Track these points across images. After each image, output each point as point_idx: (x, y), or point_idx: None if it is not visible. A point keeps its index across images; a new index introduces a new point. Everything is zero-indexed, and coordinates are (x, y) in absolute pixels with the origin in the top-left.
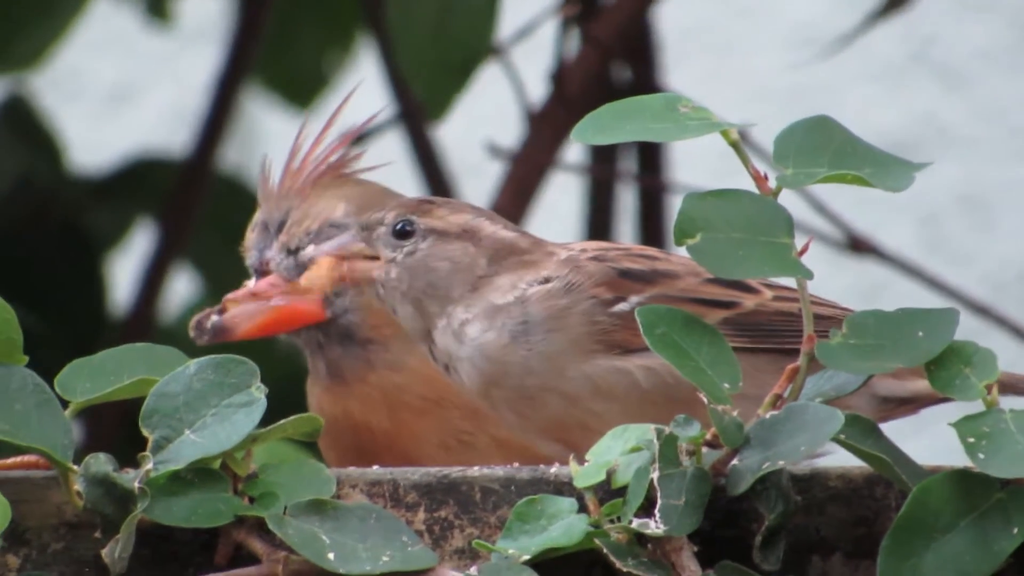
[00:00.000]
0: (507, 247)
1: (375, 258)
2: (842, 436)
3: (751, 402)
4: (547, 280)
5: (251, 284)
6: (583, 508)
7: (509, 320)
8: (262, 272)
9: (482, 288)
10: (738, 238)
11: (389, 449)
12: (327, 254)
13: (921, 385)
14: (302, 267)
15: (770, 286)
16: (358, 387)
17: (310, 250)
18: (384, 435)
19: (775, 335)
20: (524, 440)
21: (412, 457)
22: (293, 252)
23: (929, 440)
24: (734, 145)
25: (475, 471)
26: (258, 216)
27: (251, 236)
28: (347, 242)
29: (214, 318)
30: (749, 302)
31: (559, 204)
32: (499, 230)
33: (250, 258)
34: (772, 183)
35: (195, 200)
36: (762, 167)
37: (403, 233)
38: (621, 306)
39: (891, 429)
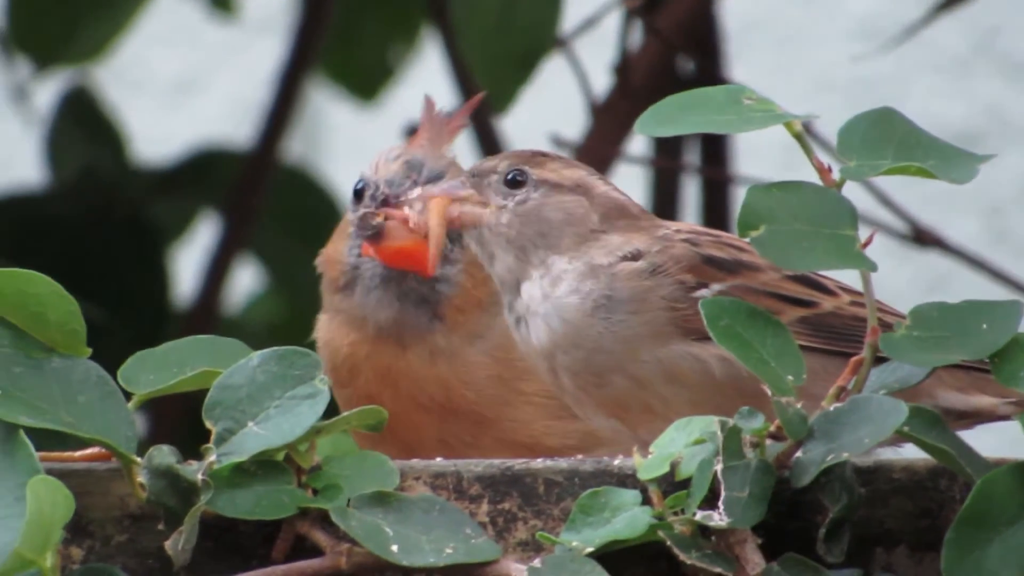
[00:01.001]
0: (618, 208)
1: (483, 204)
2: (906, 428)
3: (819, 402)
4: (638, 255)
5: (410, 213)
6: (647, 500)
7: (596, 289)
8: (388, 204)
9: (591, 243)
10: (802, 230)
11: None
12: (438, 194)
13: (984, 401)
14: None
15: (847, 290)
16: (390, 351)
17: (418, 190)
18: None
19: (849, 339)
20: (576, 409)
21: (410, 444)
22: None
23: (994, 433)
24: (798, 137)
25: (539, 463)
26: (406, 153)
27: (392, 167)
28: (456, 186)
29: (378, 220)
30: (827, 304)
31: None
32: (611, 191)
33: (389, 187)
34: (836, 175)
35: (259, 192)
36: (826, 159)
37: (515, 182)
38: (702, 292)
39: None
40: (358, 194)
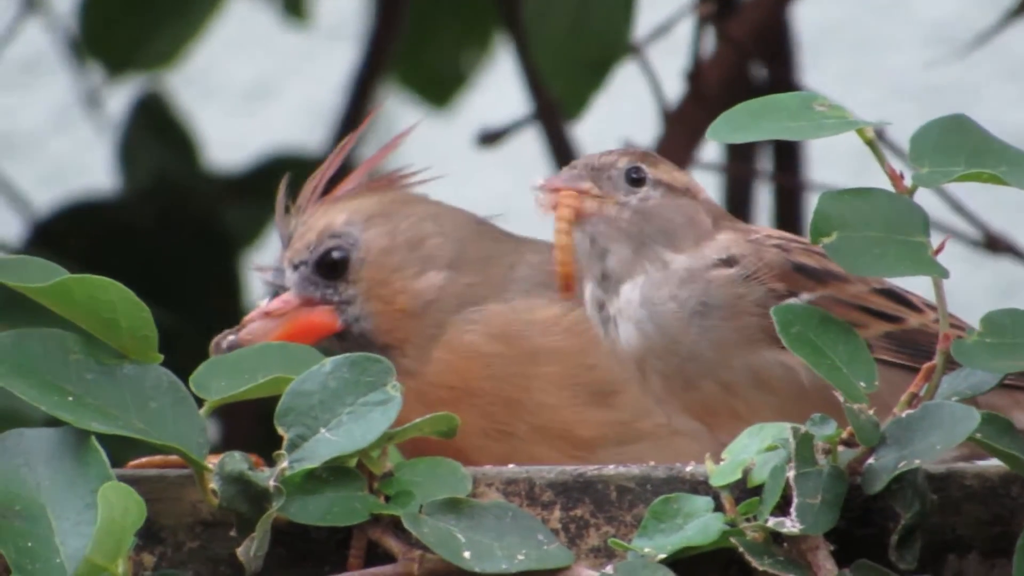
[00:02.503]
0: (721, 212)
1: (602, 198)
2: (978, 435)
3: None
4: (733, 261)
5: (264, 304)
6: (719, 507)
7: (693, 296)
8: (281, 289)
9: (704, 244)
10: (874, 236)
11: (439, 446)
12: (559, 187)
13: None
14: (307, 282)
15: (933, 308)
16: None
17: (539, 180)
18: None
19: (932, 356)
20: (659, 407)
21: (461, 451)
22: (296, 267)
23: None
24: (870, 144)
25: (610, 470)
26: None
27: (272, 260)
28: (577, 179)
29: (230, 337)
30: (913, 320)
31: None
32: (709, 196)
33: (265, 276)
34: (908, 182)
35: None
36: (898, 166)
37: (635, 180)
38: (792, 301)
39: None
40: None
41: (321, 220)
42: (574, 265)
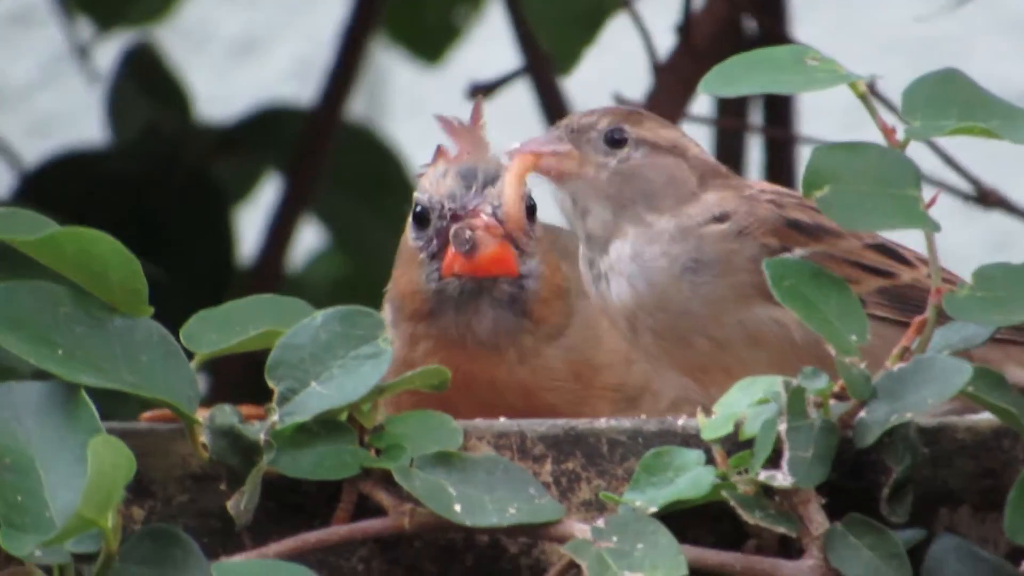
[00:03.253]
0: (712, 169)
1: (582, 160)
2: (970, 388)
3: None
4: (725, 217)
5: (478, 221)
6: (710, 460)
7: (684, 252)
8: (455, 218)
9: (689, 203)
10: (866, 191)
11: None
12: (532, 151)
13: None
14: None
15: (926, 263)
16: (487, 361)
17: (514, 145)
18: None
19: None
20: (650, 365)
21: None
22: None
23: None
24: (862, 97)
25: (602, 423)
26: (453, 166)
27: (450, 182)
28: (554, 141)
29: (469, 233)
30: (906, 275)
31: None
32: (700, 152)
33: (452, 200)
34: (900, 135)
35: (322, 152)
36: (890, 120)
37: (615, 141)
38: (785, 256)
39: None
40: (420, 219)
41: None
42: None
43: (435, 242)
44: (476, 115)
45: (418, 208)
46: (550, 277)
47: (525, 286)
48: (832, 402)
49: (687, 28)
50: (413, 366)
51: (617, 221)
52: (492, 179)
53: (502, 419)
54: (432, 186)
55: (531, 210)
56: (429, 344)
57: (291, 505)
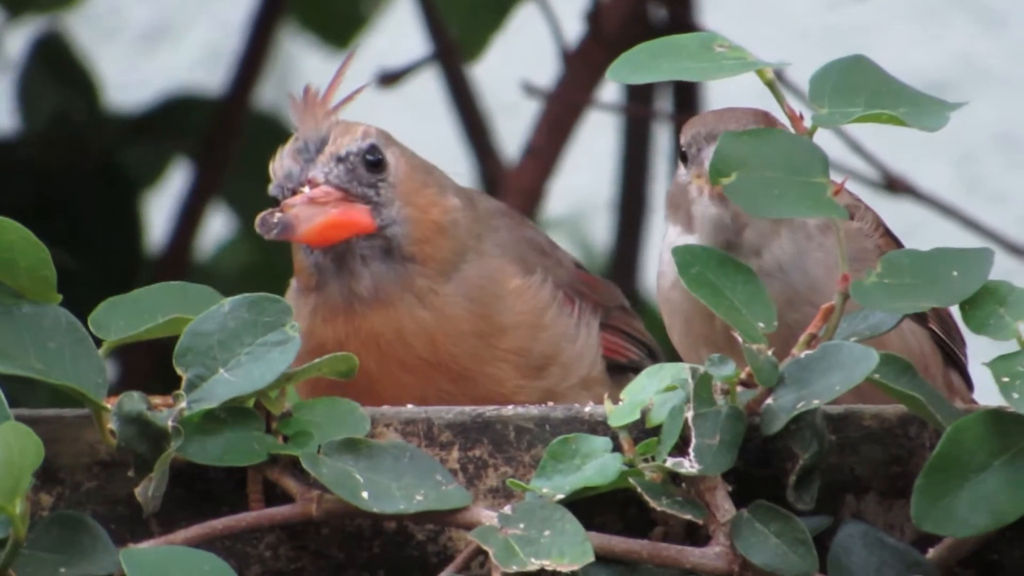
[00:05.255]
0: None
1: None
2: (876, 376)
3: None
4: (852, 216)
5: (306, 191)
6: (617, 447)
7: (835, 246)
8: (293, 192)
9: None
10: (773, 177)
11: (368, 391)
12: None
13: None
14: (352, 175)
15: None
16: (381, 316)
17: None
18: (367, 377)
19: None
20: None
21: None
22: (343, 159)
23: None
24: (770, 84)
25: (509, 410)
26: (291, 144)
27: (286, 162)
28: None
29: (279, 215)
30: None
31: (595, 143)
32: None
33: (289, 180)
34: (808, 123)
35: (231, 139)
36: (798, 107)
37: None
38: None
39: None
40: (277, 203)
41: (359, 125)
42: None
43: None
44: (330, 88)
45: (271, 194)
46: (422, 216)
47: (392, 234)
48: (739, 389)
49: (595, 16)
50: (319, 337)
51: (775, 227)
52: (322, 144)
53: (409, 406)
54: (274, 170)
55: (376, 164)
56: (328, 312)
57: (199, 492)
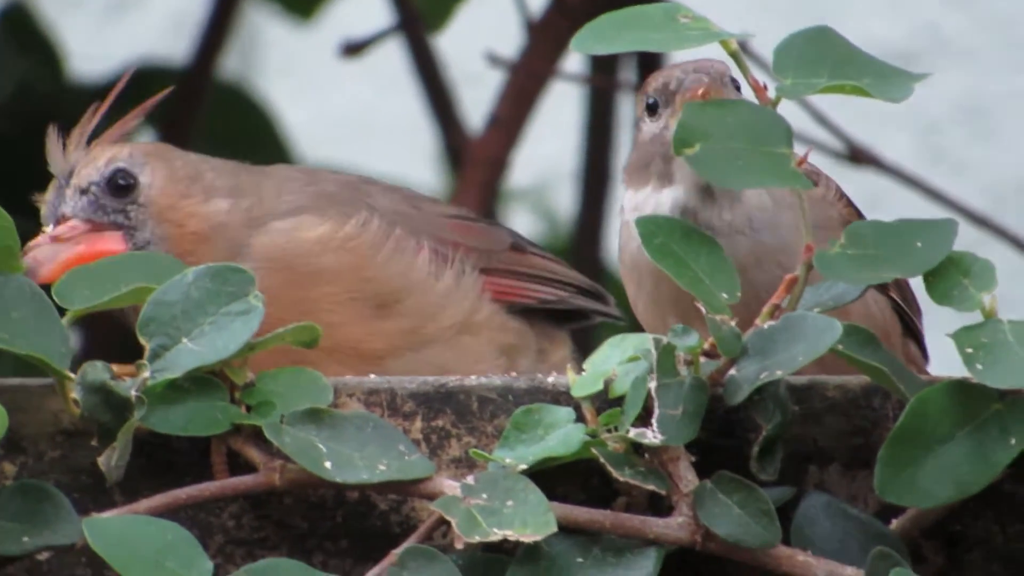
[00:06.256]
0: None
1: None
2: (840, 346)
3: None
4: (816, 182)
5: (50, 229)
6: (580, 418)
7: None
8: (62, 219)
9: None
10: (738, 148)
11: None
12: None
13: None
14: (97, 205)
15: None
16: None
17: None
18: None
19: None
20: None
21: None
22: (85, 191)
23: (933, 349)
24: (733, 55)
25: (472, 380)
26: (50, 187)
27: (48, 197)
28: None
29: (25, 258)
30: None
31: (559, 114)
32: None
33: (48, 217)
34: (771, 93)
35: (194, 109)
36: (762, 78)
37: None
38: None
39: None
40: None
41: (105, 152)
42: None
43: None
44: (88, 118)
45: None
46: (179, 231)
47: (152, 252)
48: (702, 360)
49: None
50: None
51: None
52: (69, 177)
53: (372, 376)
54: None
55: (124, 188)
56: None
57: (162, 462)
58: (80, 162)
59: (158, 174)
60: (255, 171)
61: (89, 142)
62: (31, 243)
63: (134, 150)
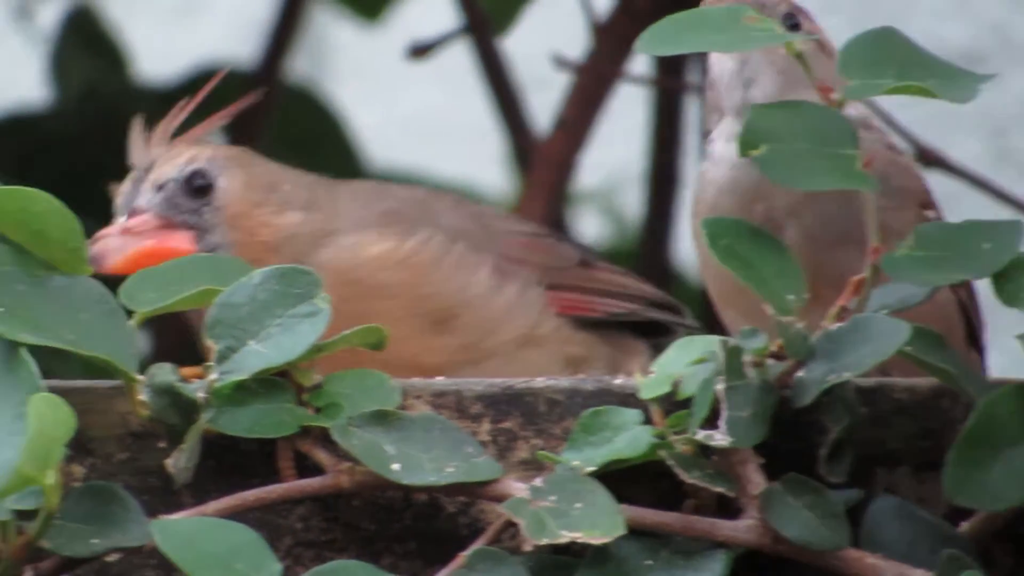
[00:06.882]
0: None
1: None
2: (908, 348)
3: None
4: (866, 127)
5: (122, 220)
6: (648, 420)
7: None
8: (135, 212)
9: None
10: (803, 149)
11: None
12: None
13: None
14: (171, 203)
15: None
16: None
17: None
18: None
19: None
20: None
21: None
22: (162, 187)
23: (996, 354)
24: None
25: (540, 382)
26: (128, 177)
27: (125, 187)
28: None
29: (92, 246)
30: None
31: (626, 116)
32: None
33: (123, 207)
34: (837, 95)
35: (262, 110)
36: None
37: (791, 26)
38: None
39: None
40: None
41: (186, 151)
42: None
43: None
44: (174, 114)
45: None
46: (249, 239)
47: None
48: (770, 362)
49: None
50: None
51: (782, 99)
52: (147, 171)
53: (440, 378)
54: (117, 195)
55: (200, 189)
56: None
57: (231, 464)
58: (161, 157)
59: (236, 180)
60: (330, 185)
61: (172, 139)
62: (101, 232)
63: (216, 153)
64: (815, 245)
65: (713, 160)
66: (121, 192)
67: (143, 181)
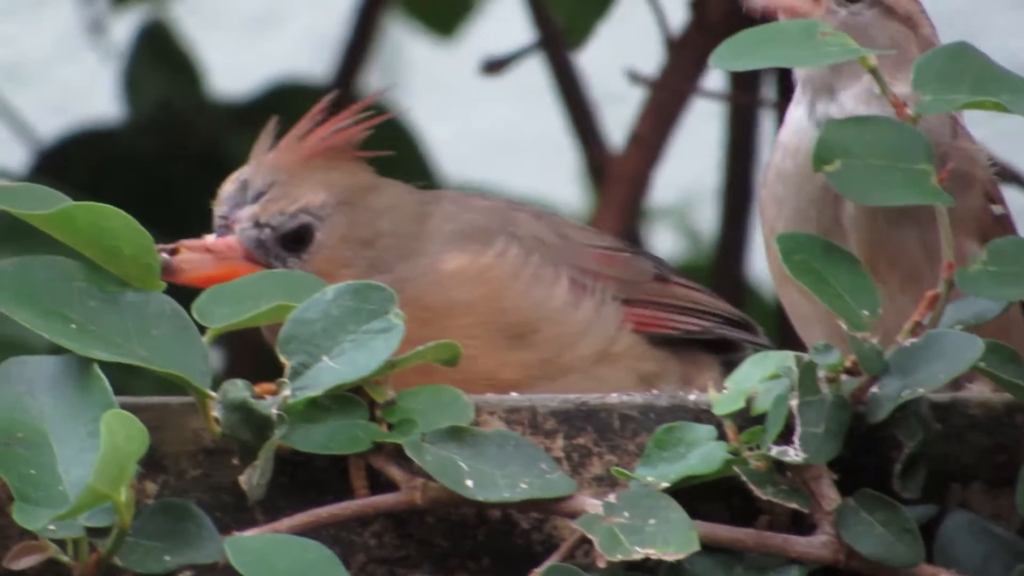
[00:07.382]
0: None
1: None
2: (982, 364)
3: None
4: None
5: (210, 238)
6: (722, 436)
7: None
8: (224, 226)
9: (906, 71)
10: (877, 165)
11: None
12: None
13: None
14: (262, 244)
15: None
16: None
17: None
18: None
19: None
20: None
21: None
22: (261, 226)
23: None
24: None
25: (614, 398)
26: (241, 172)
27: (228, 188)
28: None
29: (163, 255)
30: None
31: (701, 131)
32: (932, 34)
33: (220, 209)
34: (911, 110)
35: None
36: None
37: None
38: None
39: None
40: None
41: (301, 191)
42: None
43: None
44: (306, 130)
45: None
46: (327, 264)
47: None
48: (844, 377)
49: (700, 3)
50: None
51: (833, 73)
52: (259, 194)
53: (513, 394)
54: (221, 190)
55: (298, 240)
56: None
57: (304, 480)
58: (277, 188)
59: (335, 232)
60: (425, 216)
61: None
62: (187, 242)
63: (330, 196)
64: (874, 220)
65: (785, 124)
66: (226, 191)
67: (249, 201)
